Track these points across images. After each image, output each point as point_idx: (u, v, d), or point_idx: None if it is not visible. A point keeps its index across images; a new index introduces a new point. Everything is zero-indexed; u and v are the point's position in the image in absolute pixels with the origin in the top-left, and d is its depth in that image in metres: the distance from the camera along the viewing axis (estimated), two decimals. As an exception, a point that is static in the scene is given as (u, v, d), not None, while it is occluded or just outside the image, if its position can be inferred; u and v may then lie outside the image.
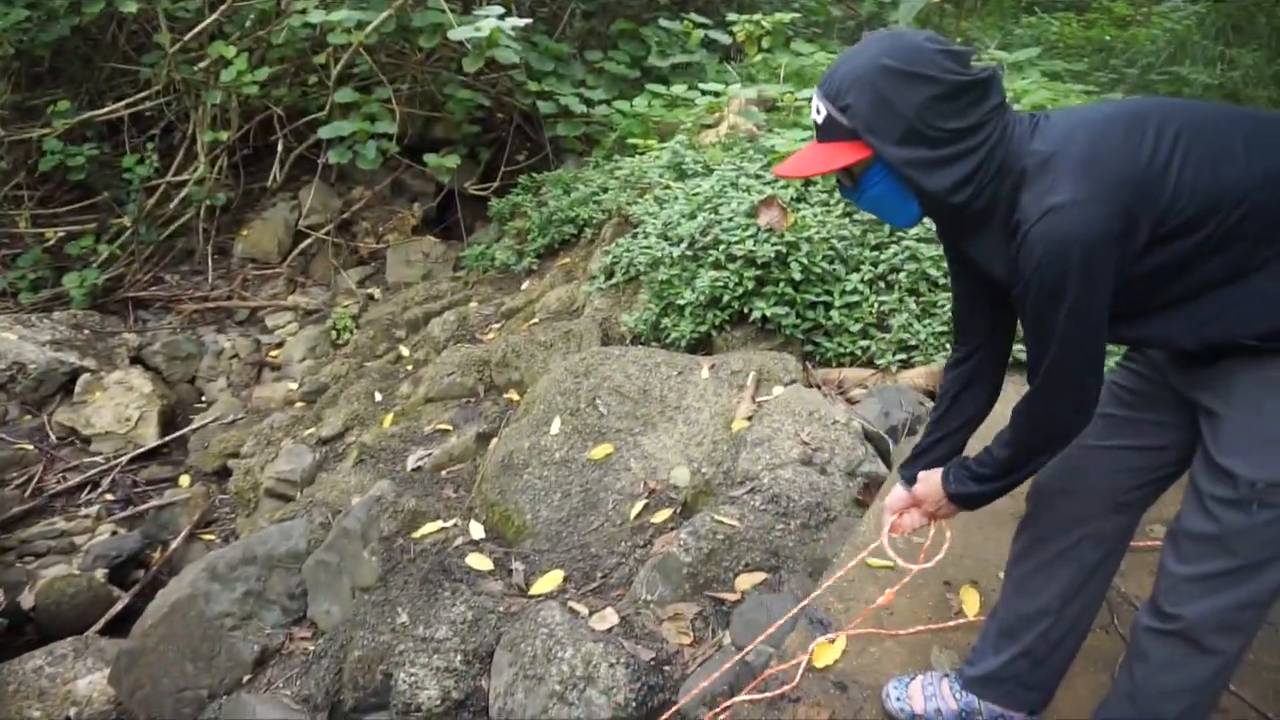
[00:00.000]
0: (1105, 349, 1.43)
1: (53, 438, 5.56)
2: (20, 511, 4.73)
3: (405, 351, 5.37)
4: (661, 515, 3.19)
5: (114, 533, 4.69)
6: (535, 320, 5.03)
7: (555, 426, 3.62)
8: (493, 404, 4.33)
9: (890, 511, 1.85)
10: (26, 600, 4.19)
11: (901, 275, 4.17)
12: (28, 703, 3.76)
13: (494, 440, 3.88)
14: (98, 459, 5.38)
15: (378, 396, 4.85)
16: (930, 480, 1.73)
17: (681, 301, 4.28)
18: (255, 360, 6.33)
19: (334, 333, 6.26)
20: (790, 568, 2.74)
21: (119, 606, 4.26)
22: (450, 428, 4.18)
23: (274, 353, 6.42)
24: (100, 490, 5.09)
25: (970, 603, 2.19)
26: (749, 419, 3.51)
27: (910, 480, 1.81)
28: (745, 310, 4.14)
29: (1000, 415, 1.65)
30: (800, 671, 1.95)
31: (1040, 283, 1.35)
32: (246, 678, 3.26)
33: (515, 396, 4.32)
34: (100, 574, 4.35)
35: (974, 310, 1.70)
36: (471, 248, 6.69)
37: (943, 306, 4.03)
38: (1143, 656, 1.51)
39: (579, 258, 5.69)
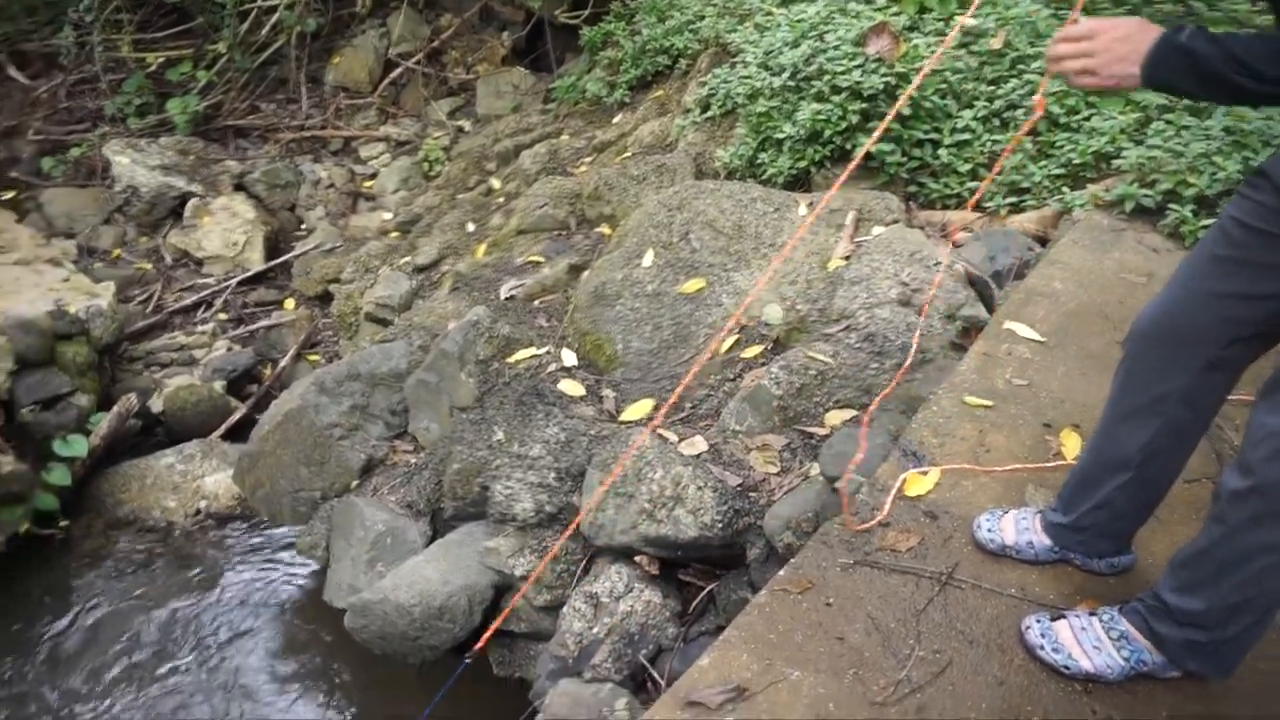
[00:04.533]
0: None
1: (168, 259, 5.85)
2: (144, 326, 5.06)
3: (496, 184, 5.36)
4: (752, 350, 3.19)
5: (229, 349, 4.99)
6: (627, 154, 4.92)
7: (648, 259, 3.60)
8: (584, 237, 4.33)
9: (1061, 36, 1.43)
10: (155, 405, 4.55)
11: (1019, 113, 3.88)
12: (163, 494, 4.16)
13: (586, 272, 3.89)
14: (209, 280, 5.65)
15: (470, 227, 4.89)
16: (1137, 23, 1.35)
17: (780, 136, 4.10)
18: (350, 190, 6.42)
19: (426, 164, 6.27)
20: (883, 406, 2.72)
21: (237, 415, 4.59)
22: (542, 259, 4.21)
23: (368, 183, 6.50)
24: (214, 309, 5.38)
25: (1070, 446, 2.16)
26: (846, 258, 3.41)
27: None
28: (848, 146, 3.94)
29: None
30: (891, 499, 1.97)
31: None
32: (355, 483, 3.51)
33: (607, 230, 4.29)
34: (219, 385, 4.66)
35: None
36: (562, 79, 6.49)
37: (1061, 147, 3.76)
38: (1221, 516, 1.45)
39: (673, 90, 5.47)
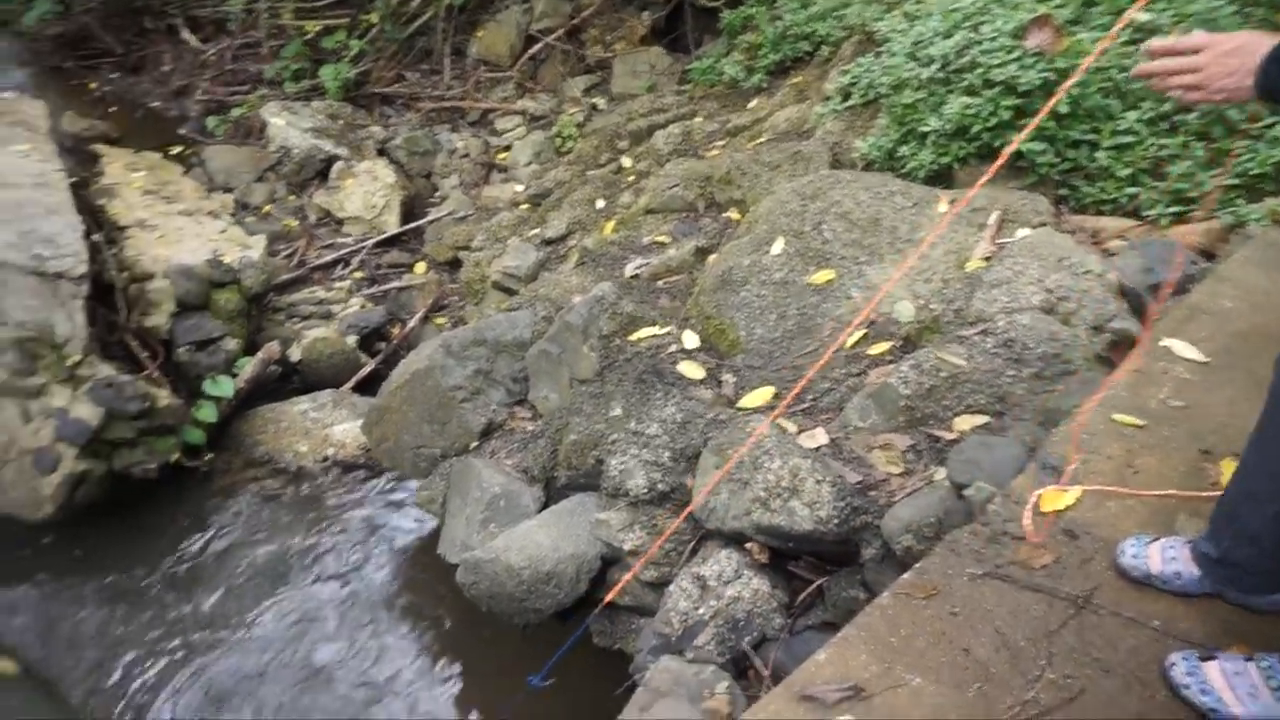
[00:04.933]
0: None
1: (312, 217, 6.16)
2: (288, 279, 5.35)
3: (627, 162, 5.39)
4: (880, 347, 3.11)
5: (362, 306, 5.22)
6: (762, 139, 4.86)
7: (777, 247, 3.55)
8: (712, 220, 4.31)
9: (1164, 48, 1.40)
10: (294, 354, 4.81)
11: (1192, 116, 3.61)
12: (296, 439, 4.40)
13: (713, 255, 3.88)
14: (348, 240, 5.93)
15: (599, 204, 4.94)
16: (1250, 34, 1.31)
17: (925, 129, 3.95)
18: (484, 161, 6.60)
19: (559, 139, 6.37)
20: (1017, 415, 2.61)
21: (366, 370, 4.82)
22: (668, 240, 4.21)
23: (501, 155, 6.66)
24: (351, 268, 5.65)
25: (1230, 475, 2.00)
26: (987, 259, 3.28)
27: None
28: (996, 144, 3.77)
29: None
30: (1026, 513, 1.89)
31: None
32: (474, 444, 3.62)
33: (736, 215, 4.26)
34: (351, 340, 4.90)
35: None
36: (699, 61, 6.46)
37: (1240, 155, 3.48)
38: None
39: (812, 77, 5.36)
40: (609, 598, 2.17)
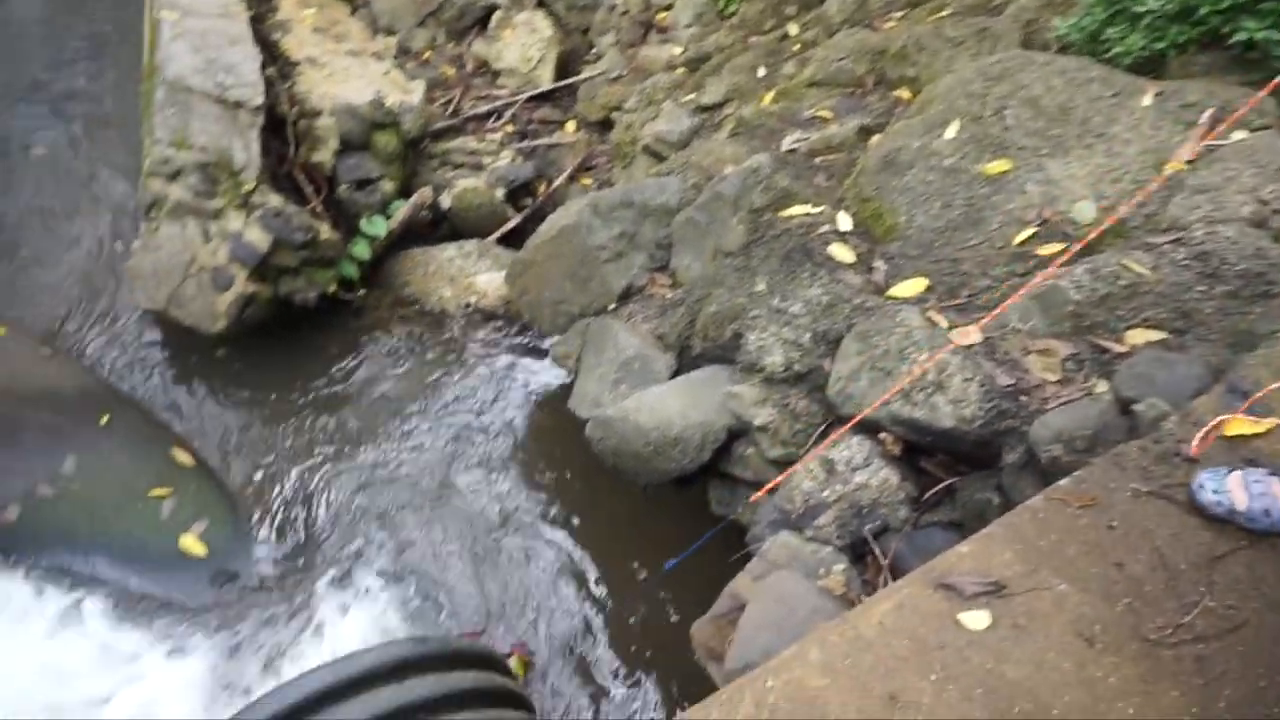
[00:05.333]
0: None
1: (468, 67, 6.16)
2: (443, 126, 5.42)
3: (794, 30, 5.08)
4: (1051, 248, 2.89)
5: (512, 160, 5.25)
6: (944, 13, 4.45)
7: (951, 131, 3.31)
8: (879, 98, 4.04)
9: None
10: (444, 202, 4.93)
11: None
12: (441, 284, 4.57)
13: (877, 135, 3.66)
14: (503, 92, 5.92)
15: (760, 72, 4.71)
16: None
17: (1140, 9, 3.51)
18: (644, 20, 6.36)
19: (723, 1, 6.04)
20: (1201, 335, 2.39)
21: (512, 223, 4.90)
22: (830, 115, 3.99)
23: (662, 15, 6.39)
24: (503, 120, 5.66)
25: None
26: (1191, 162, 2.95)
27: None
28: (1226, 30, 3.31)
29: None
30: (1205, 434, 1.75)
31: None
32: (612, 305, 3.66)
33: (906, 94, 3.97)
34: (499, 193, 4.96)
35: None
36: (883, -79, 5.91)
37: None
38: None
39: (1012, -56, 4.82)
40: (764, 488, 2.18)
